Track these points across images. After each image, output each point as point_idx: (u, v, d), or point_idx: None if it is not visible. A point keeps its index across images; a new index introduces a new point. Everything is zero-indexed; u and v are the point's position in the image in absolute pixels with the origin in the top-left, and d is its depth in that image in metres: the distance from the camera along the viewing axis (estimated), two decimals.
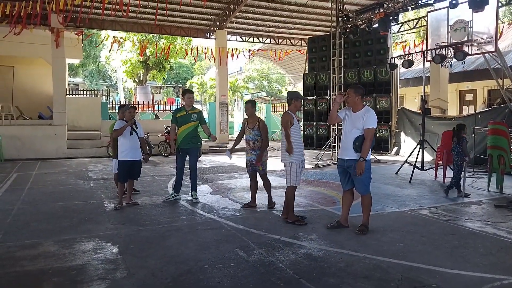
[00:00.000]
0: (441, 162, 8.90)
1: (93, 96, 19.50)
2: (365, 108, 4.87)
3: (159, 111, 19.73)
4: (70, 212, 6.11)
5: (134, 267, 3.88)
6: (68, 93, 17.31)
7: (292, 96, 5.53)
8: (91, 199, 7.04)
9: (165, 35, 21.72)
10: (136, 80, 29.05)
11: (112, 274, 3.71)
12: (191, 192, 6.85)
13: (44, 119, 15.02)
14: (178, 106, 7.30)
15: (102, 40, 20.42)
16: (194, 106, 6.89)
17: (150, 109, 20.38)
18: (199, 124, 6.75)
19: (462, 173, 7.08)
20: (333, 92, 13.99)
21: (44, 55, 15.42)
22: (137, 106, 20.27)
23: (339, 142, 6.64)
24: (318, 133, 16.67)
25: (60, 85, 14.40)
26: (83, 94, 19.50)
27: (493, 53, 10.86)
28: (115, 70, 34.63)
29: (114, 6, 12.77)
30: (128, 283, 3.53)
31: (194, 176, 6.82)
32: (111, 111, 18.39)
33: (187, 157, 6.75)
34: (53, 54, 14.19)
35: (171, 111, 19.59)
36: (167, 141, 14.09)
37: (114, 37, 18.61)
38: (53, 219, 5.68)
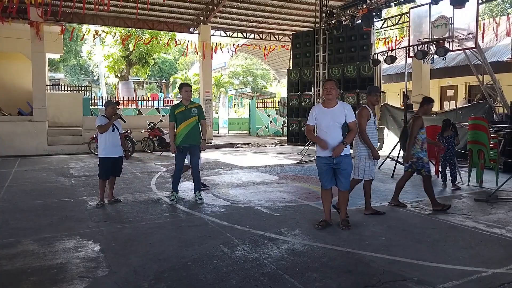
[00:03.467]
0: None
1: (74, 91, 19.14)
2: (340, 103, 4.88)
3: (142, 107, 19.50)
4: (51, 210, 6.00)
5: (116, 265, 3.83)
6: (48, 88, 16.96)
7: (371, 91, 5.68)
8: (72, 197, 6.92)
9: (148, 30, 21.44)
10: (119, 75, 28.59)
11: (93, 272, 3.66)
12: (195, 192, 6.58)
13: (24, 115, 14.67)
14: (177, 103, 6.86)
15: (84, 35, 20.03)
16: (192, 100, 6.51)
17: (133, 104, 20.13)
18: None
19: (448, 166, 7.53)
20: (317, 88, 14.03)
21: (23, 49, 15.03)
22: (119, 101, 19.99)
23: None
24: (303, 128, 16.70)
25: (40, 80, 14.10)
26: (64, 90, 19.12)
27: (474, 49, 11.04)
28: (97, 65, 34.01)
29: None
30: (109, 281, 3.48)
31: (197, 175, 6.54)
32: (93, 107, 18.09)
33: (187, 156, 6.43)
34: (33, 48, 13.84)
35: (154, 107, 19.36)
36: (150, 137, 13.96)
37: (95, 30, 18.27)
38: (33, 217, 5.57)
